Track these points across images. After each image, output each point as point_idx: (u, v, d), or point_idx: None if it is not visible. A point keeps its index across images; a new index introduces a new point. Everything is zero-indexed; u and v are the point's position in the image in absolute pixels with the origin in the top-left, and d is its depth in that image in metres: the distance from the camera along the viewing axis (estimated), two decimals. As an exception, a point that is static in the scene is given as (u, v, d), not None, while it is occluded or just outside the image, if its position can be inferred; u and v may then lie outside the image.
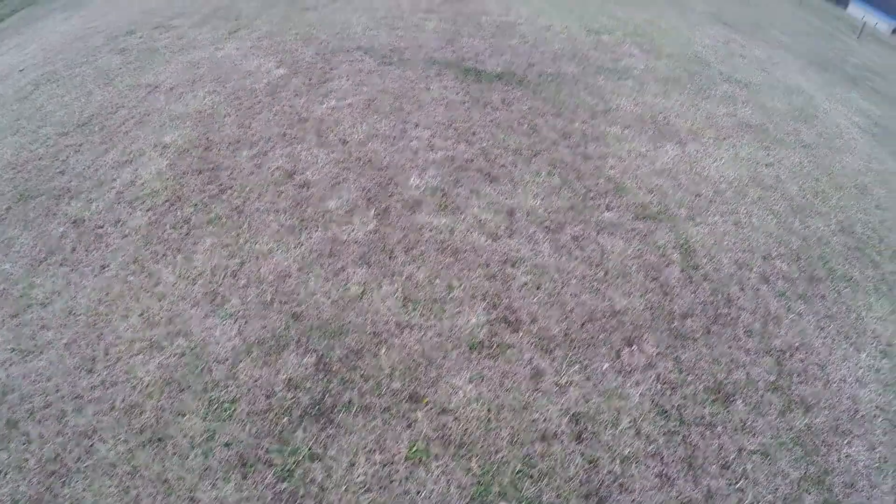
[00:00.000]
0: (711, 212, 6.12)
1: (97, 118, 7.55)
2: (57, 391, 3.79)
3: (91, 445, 3.51)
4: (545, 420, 3.81)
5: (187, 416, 3.65)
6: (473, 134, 6.76)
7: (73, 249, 5.10)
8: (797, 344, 4.78)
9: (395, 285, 4.54)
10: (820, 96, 12.04)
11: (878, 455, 4.10)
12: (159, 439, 3.55)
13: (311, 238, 5.01)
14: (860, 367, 4.75)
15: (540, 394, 3.94)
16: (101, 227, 5.33)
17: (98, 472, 3.39)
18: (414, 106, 7.31)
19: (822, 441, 4.07)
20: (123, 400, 3.74)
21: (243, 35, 10.76)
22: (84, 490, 3.29)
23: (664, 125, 7.84)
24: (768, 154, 7.83)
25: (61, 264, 4.95)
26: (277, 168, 5.97)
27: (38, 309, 4.52)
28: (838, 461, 3.98)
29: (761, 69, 12.41)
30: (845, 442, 4.12)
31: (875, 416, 4.38)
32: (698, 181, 6.62)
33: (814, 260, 5.85)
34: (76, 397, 3.76)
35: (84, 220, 5.45)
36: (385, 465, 3.49)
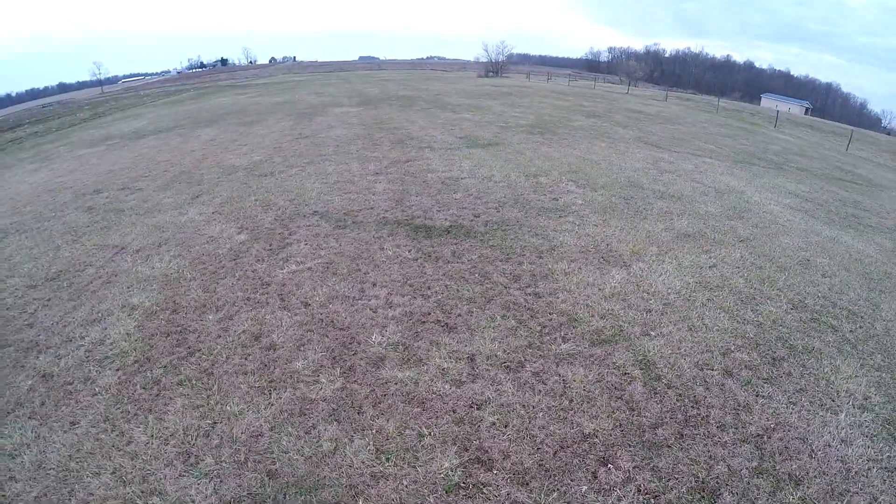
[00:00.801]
0: (664, 323, 6.40)
1: (65, 274, 7.79)
2: (26, 548, 3.70)
3: None
4: None
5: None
6: (428, 288, 7.09)
7: (43, 403, 5.15)
8: (773, 425, 4.88)
9: (367, 439, 4.63)
10: (750, 190, 13.15)
11: None
12: None
13: (280, 398, 5.13)
14: (842, 428, 4.87)
15: None
16: (71, 384, 5.40)
17: None
18: (370, 266, 7.71)
19: None
20: (97, 562, 3.67)
21: (205, 200, 11.30)
22: None
23: (607, 252, 8.35)
24: (710, 257, 8.35)
25: (30, 417, 4.97)
26: (244, 331, 6.17)
27: (6, 459, 4.51)
28: None
29: (691, 180, 13.42)
30: (845, 502, 4.15)
31: (869, 469, 4.45)
32: (647, 298, 6.96)
33: (772, 342, 6.11)
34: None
35: (53, 375, 5.52)
36: None
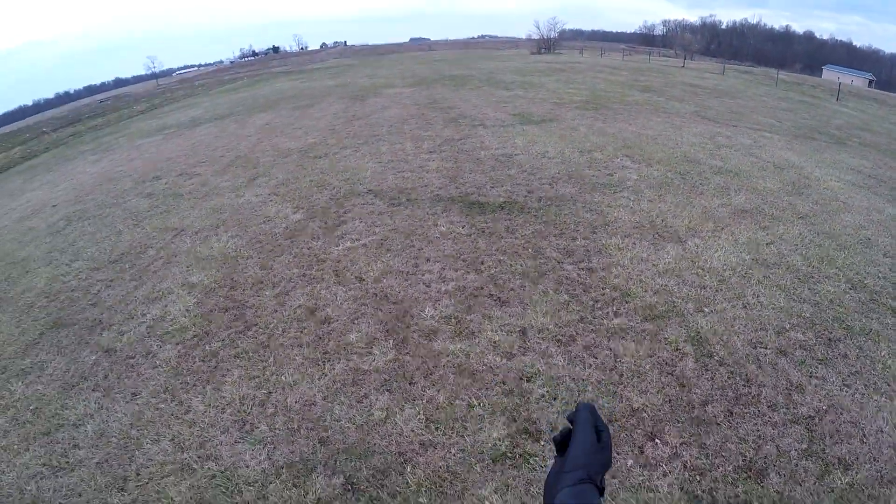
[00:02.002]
0: (718, 300, 6.24)
1: (127, 256, 8.06)
2: (88, 506, 3.89)
3: None
4: None
5: (219, 536, 3.72)
6: (482, 263, 7.09)
7: (106, 376, 5.39)
8: (825, 407, 4.73)
9: (417, 408, 4.70)
10: (809, 165, 12.43)
11: None
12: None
13: (334, 369, 5.24)
14: None
15: None
16: (133, 358, 5.64)
17: None
18: (424, 242, 7.75)
19: (868, 495, 3.96)
20: (155, 519, 3.82)
21: (261, 182, 11.48)
22: None
23: (662, 228, 8.15)
24: (767, 233, 8.03)
25: (93, 389, 5.22)
26: (299, 306, 6.30)
27: (70, 429, 4.75)
28: None
29: (749, 154, 12.87)
30: (894, 491, 3.99)
31: None
32: (702, 274, 6.80)
33: (829, 322, 5.86)
34: (107, 514, 3.85)
35: (116, 350, 5.77)
36: (417, 583, 3.53)
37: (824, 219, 8.86)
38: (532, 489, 4.03)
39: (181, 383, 5.20)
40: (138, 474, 4.21)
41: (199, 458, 4.32)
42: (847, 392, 4.91)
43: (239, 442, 4.46)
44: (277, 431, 4.54)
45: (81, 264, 8.16)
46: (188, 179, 12.67)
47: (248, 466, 4.22)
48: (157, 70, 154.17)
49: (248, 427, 4.61)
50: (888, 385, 5.02)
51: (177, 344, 5.78)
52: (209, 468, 4.22)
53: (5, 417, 5.09)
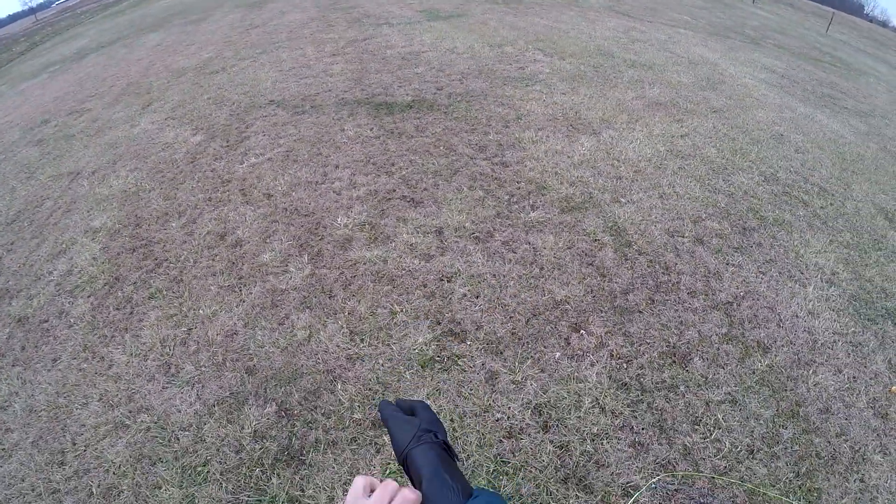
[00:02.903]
0: (635, 190, 6.36)
1: (24, 214, 7.56)
2: (33, 490, 3.80)
3: None
4: (509, 418, 3.92)
5: (164, 487, 3.69)
6: (392, 165, 6.96)
7: (23, 348, 5.12)
8: (742, 293, 4.96)
9: (340, 322, 4.66)
10: (724, 62, 12.72)
11: (845, 377, 4.28)
12: (141, 516, 3.58)
13: (251, 293, 5.12)
14: (809, 300, 4.96)
15: (498, 394, 4.07)
16: (46, 321, 5.36)
17: None
18: (331, 149, 7.52)
19: (788, 377, 4.22)
20: (99, 485, 3.76)
21: (156, 108, 10.89)
22: None
23: (576, 120, 8.16)
24: (681, 126, 8.20)
25: (13, 365, 4.96)
26: (208, 233, 6.08)
27: None
28: (808, 391, 4.13)
29: (664, 49, 12.98)
30: (811, 372, 4.27)
31: (835, 342, 4.57)
32: (617, 165, 6.89)
33: (744, 212, 6.11)
34: (53, 492, 3.77)
35: (28, 318, 5.46)
36: (362, 494, 3.60)
37: (738, 114, 9.08)
38: (463, 391, 4.09)
39: (99, 338, 5.00)
40: (74, 444, 4.09)
41: (130, 412, 4.22)
42: (763, 279, 5.15)
43: (167, 387, 4.36)
44: (203, 369, 4.46)
45: (-24, 233, 7.66)
46: (78, 118, 11.84)
47: (180, 411, 4.16)
48: (33, 4, 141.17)
49: (174, 370, 4.51)
50: (801, 273, 5.28)
51: (88, 297, 5.53)
52: (142, 421, 4.13)
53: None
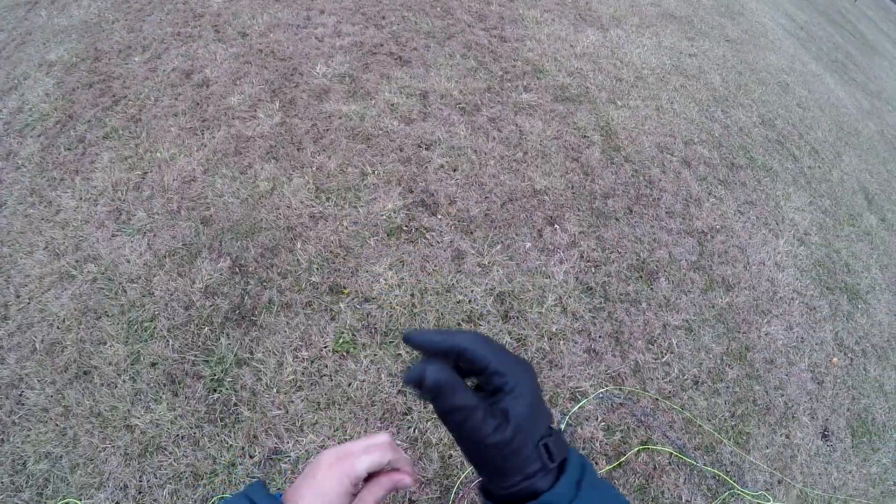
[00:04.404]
0: (633, 96, 6.10)
1: (-27, 49, 6.94)
2: (-27, 347, 3.60)
3: (20, 395, 3.37)
4: (470, 301, 3.80)
5: (108, 343, 3.51)
6: (383, 18, 6.42)
7: (-35, 196, 4.76)
8: (718, 226, 4.90)
9: (306, 177, 4.36)
10: None
11: (795, 335, 4.34)
12: (85, 373, 3.42)
13: (214, 138, 4.75)
14: (779, 252, 4.94)
15: (463, 275, 3.91)
16: (-8, 164, 4.98)
17: (32, 420, 3.26)
18: (317, -8, 6.86)
19: (743, 319, 4.25)
20: (43, 340, 3.57)
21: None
22: (23, 442, 3.17)
23: (585, 10, 7.64)
24: (692, 45, 7.82)
25: None
26: (174, 69, 5.57)
27: None
28: (758, 339, 4.18)
29: None
30: (765, 321, 4.31)
31: (792, 299, 4.60)
32: (620, 66, 6.55)
33: (735, 148, 5.95)
34: (-4, 349, 3.58)
35: (-27, 160, 5.07)
36: (313, 361, 3.44)
37: (750, 50, 8.69)
38: (428, 266, 3.91)
39: (48, 180, 4.62)
40: (18, 296, 3.84)
41: (76, 262, 3.95)
42: (740, 218, 5.09)
43: (116, 235, 4.08)
44: (156, 216, 4.17)
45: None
46: (40, -63, 10.88)
47: (129, 262, 3.90)
48: None
49: (125, 217, 4.21)
50: (777, 224, 5.23)
51: (39, 136, 5.09)
52: (89, 271, 3.88)
53: None
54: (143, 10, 6.70)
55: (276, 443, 3.14)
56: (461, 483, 3.07)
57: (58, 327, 3.63)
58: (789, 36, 10.93)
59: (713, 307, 4.23)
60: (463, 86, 5.48)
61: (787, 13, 12.70)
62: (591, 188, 4.76)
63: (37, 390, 3.37)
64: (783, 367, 4.08)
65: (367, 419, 3.24)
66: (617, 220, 4.57)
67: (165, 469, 3.04)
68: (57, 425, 3.23)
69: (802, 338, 4.35)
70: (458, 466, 3.12)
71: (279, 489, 2.99)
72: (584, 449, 3.30)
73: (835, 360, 4.34)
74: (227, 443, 3.13)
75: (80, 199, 4.39)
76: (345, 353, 3.47)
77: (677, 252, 4.51)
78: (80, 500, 2.96)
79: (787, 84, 8.17)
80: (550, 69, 6.06)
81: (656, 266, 4.34)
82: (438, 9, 6.74)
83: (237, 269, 3.81)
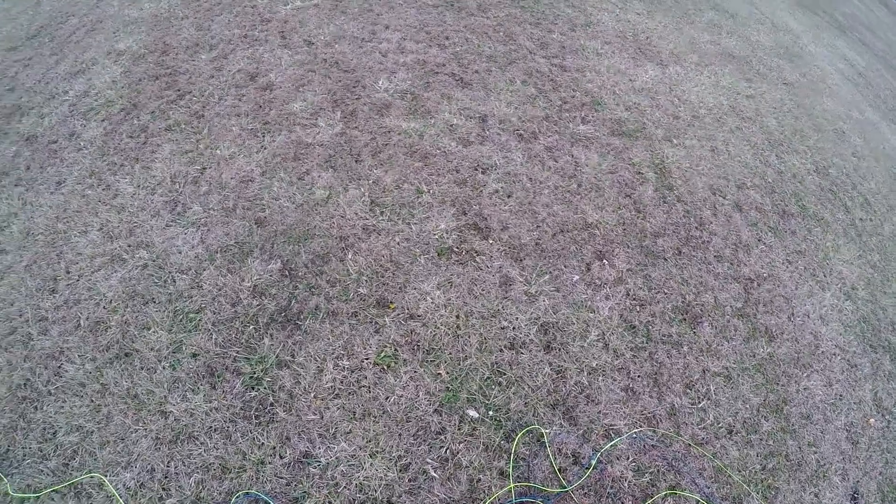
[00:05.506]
0: (689, 135, 6.04)
1: (47, 29, 7.10)
2: (21, 315, 3.66)
3: (59, 367, 3.42)
4: (514, 328, 3.78)
5: (152, 329, 3.56)
6: (446, 38, 6.49)
7: (28, 168, 4.83)
8: (765, 274, 4.82)
9: (362, 189, 4.40)
10: (806, 38, 11.84)
11: (834, 392, 4.22)
12: (126, 354, 3.47)
13: (274, 141, 4.82)
14: (824, 306, 4.82)
15: (509, 302, 3.91)
16: (55, 142, 5.06)
17: (68, 393, 3.30)
18: (384, 7, 6.98)
19: (783, 371, 4.17)
20: (88, 318, 3.62)
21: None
22: (56, 413, 3.22)
23: (646, 45, 7.65)
24: (750, 86, 7.71)
25: (16, 185, 4.69)
26: (239, 70, 5.69)
27: None
28: (797, 392, 4.09)
29: (749, 2, 12.08)
30: (805, 375, 4.22)
31: (834, 355, 4.48)
32: (677, 104, 6.52)
33: (787, 195, 5.84)
34: (41, 319, 3.64)
35: (37, 137, 5.16)
36: (353, 371, 3.44)
37: (807, 94, 8.49)
38: (475, 289, 3.91)
39: (108, 165, 4.73)
40: (68, 272, 3.92)
41: (129, 246, 4.02)
42: (787, 268, 4.99)
43: (170, 225, 4.15)
44: (212, 212, 4.23)
45: (-6, 47, 7.24)
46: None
47: (180, 253, 3.96)
48: None
49: (181, 209, 4.27)
50: (824, 276, 5.11)
51: (102, 121, 5.21)
52: (140, 257, 3.95)
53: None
54: (212, 10, 6.85)
55: (307, 447, 3.14)
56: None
57: (104, 307, 3.68)
58: (848, 82, 10.74)
59: (754, 356, 4.17)
60: (522, 112, 5.50)
61: (845, 58, 12.48)
62: (643, 226, 4.74)
63: (76, 364, 3.42)
64: (819, 423, 4.01)
65: (400, 434, 3.24)
66: (665, 259, 4.54)
67: (195, 458, 3.07)
68: (92, 401, 3.27)
69: (841, 395, 4.25)
70: (485, 491, 3.09)
71: (305, 492, 2.99)
72: (612, 488, 3.26)
73: (872, 420, 4.24)
74: (259, 441, 3.15)
75: (139, 186, 4.48)
76: (385, 367, 3.47)
77: (723, 297, 4.45)
78: (106, 475, 2.99)
79: (843, 131, 8.01)
80: (609, 102, 6.07)
81: (701, 310, 4.29)
82: (501, 34, 6.81)
83: (287, 273, 3.84)
